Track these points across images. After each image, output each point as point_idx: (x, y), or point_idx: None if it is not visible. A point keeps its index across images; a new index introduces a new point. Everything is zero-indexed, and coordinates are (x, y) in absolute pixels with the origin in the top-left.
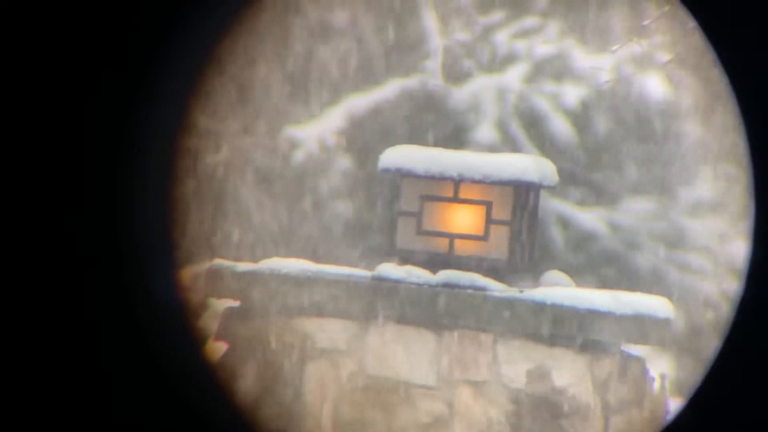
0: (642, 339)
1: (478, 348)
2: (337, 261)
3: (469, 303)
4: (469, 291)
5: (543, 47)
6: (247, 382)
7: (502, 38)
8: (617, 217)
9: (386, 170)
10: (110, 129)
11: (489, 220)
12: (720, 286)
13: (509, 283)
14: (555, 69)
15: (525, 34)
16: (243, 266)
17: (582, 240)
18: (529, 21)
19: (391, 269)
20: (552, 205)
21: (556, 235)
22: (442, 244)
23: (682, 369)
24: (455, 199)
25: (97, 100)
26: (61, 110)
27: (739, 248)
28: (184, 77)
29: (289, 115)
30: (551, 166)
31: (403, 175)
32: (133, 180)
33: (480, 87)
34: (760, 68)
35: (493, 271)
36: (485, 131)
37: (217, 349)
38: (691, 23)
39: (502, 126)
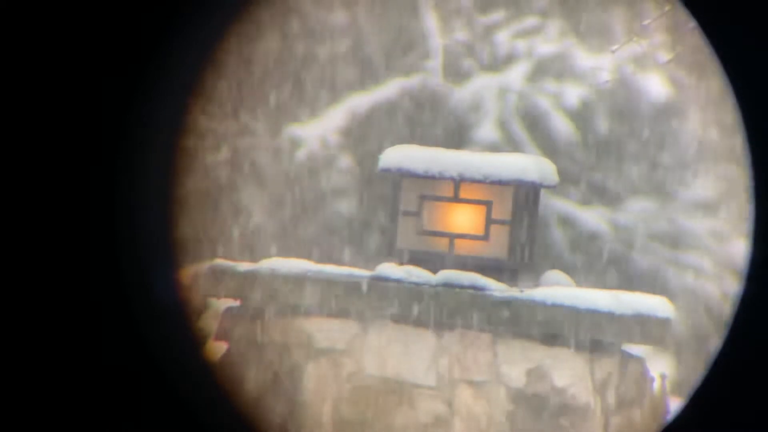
0: (642, 339)
1: (478, 348)
2: (337, 261)
3: (469, 303)
4: (469, 291)
5: (543, 47)
6: (247, 382)
7: (503, 38)
8: (618, 216)
9: (386, 170)
10: (110, 129)
11: (489, 220)
12: (720, 286)
13: (509, 283)
14: (555, 68)
15: (525, 33)
16: (243, 266)
17: (582, 240)
18: (530, 21)
19: (391, 269)
20: (552, 204)
21: (557, 234)
22: (442, 244)
23: (682, 369)
24: (455, 199)
25: (97, 99)
26: (61, 110)
27: (739, 248)
28: (184, 77)
29: (290, 115)
30: (551, 166)
31: (403, 175)
32: (133, 180)
33: (480, 86)
34: (760, 68)
35: (493, 271)
36: (486, 131)
37: (217, 349)
38: (691, 23)
39: (502, 125)
